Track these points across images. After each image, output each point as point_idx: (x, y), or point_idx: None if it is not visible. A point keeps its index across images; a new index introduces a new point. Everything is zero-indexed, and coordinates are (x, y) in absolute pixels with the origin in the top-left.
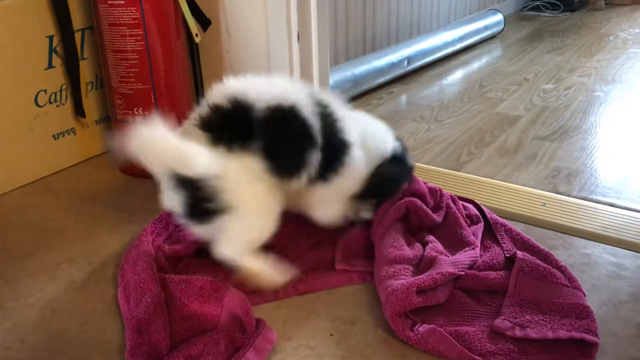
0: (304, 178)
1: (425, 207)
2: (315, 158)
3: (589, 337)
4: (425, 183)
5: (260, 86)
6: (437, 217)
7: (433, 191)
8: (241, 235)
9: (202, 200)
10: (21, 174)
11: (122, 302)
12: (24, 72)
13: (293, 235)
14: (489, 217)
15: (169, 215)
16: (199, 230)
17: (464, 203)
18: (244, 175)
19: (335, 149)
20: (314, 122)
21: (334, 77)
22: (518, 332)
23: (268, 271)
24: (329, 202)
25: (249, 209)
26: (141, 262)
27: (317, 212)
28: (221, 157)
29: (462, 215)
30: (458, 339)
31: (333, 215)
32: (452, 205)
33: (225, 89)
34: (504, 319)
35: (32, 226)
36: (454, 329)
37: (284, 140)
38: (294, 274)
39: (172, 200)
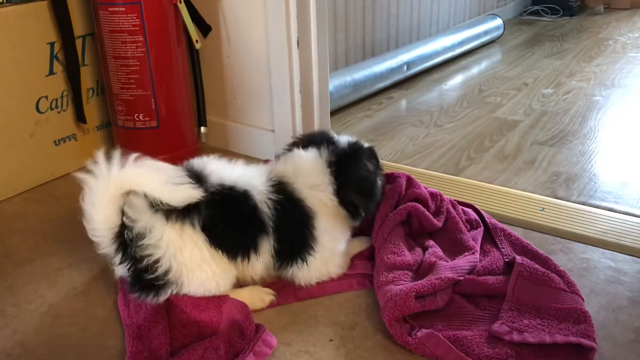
0: (257, 264)
1: (426, 212)
2: (267, 244)
3: (586, 341)
4: (425, 188)
5: (220, 167)
6: (438, 222)
7: (434, 196)
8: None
9: (144, 270)
10: (22, 180)
11: (122, 308)
12: (26, 78)
13: None
14: (488, 222)
15: None
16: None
17: (463, 208)
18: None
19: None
20: (265, 209)
21: (334, 83)
22: (516, 337)
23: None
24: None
25: (188, 279)
26: None
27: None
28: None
29: (462, 220)
30: (456, 343)
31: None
32: (452, 210)
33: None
34: (502, 324)
35: (33, 232)
36: (452, 333)
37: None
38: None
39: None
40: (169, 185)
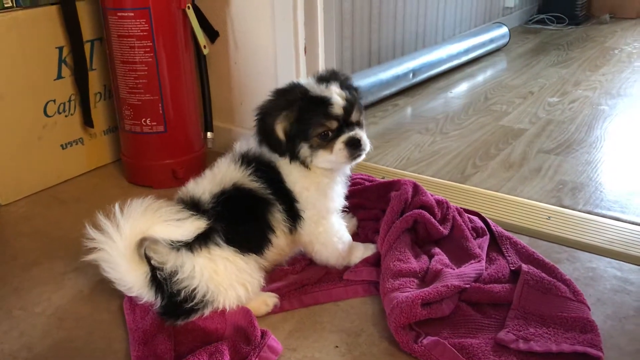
0: (280, 240)
1: (433, 219)
2: (277, 213)
3: (592, 351)
4: (432, 195)
5: (205, 184)
6: (444, 230)
7: (440, 203)
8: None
9: (184, 301)
10: (29, 183)
11: (127, 312)
12: (34, 82)
13: None
14: (494, 230)
15: None
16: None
17: (469, 216)
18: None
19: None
20: (256, 186)
21: None
22: (522, 345)
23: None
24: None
25: (224, 296)
26: None
27: (311, 251)
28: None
29: (468, 228)
30: (462, 351)
31: (329, 254)
32: (458, 217)
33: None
34: (508, 332)
35: (39, 235)
36: (458, 341)
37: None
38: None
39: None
40: (173, 225)
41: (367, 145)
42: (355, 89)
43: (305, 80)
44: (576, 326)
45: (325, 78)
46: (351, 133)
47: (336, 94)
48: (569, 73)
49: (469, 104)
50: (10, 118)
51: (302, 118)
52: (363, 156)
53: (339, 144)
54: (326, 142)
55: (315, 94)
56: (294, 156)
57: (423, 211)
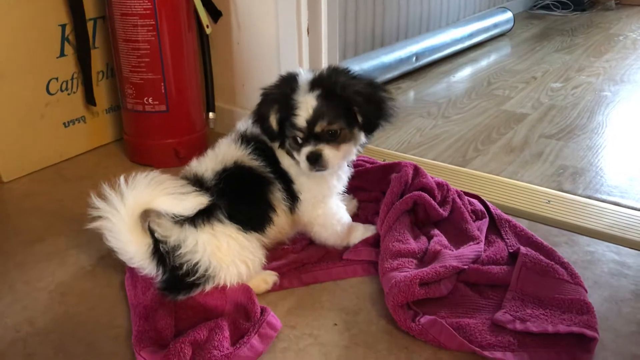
0: (281, 219)
1: (432, 201)
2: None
3: (588, 332)
4: (432, 177)
5: (208, 162)
6: (444, 212)
7: (440, 186)
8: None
9: (185, 275)
10: (32, 160)
11: (128, 288)
12: (36, 59)
13: None
14: (493, 212)
15: None
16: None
17: (469, 198)
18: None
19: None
20: (256, 164)
21: None
22: (518, 326)
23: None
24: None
25: (226, 273)
26: None
27: (310, 231)
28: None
29: (468, 210)
30: (459, 330)
31: (328, 235)
32: (458, 200)
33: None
34: (505, 312)
35: (42, 212)
36: (455, 320)
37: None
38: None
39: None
40: (176, 199)
41: (329, 163)
42: (350, 95)
43: (307, 73)
44: (573, 308)
45: (317, 81)
46: (312, 148)
47: (304, 106)
48: (572, 59)
49: (471, 89)
50: (13, 96)
51: (285, 117)
52: (328, 171)
53: (302, 155)
54: (297, 147)
55: (291, 99)
56: (283, 145)
57: (423, 193)
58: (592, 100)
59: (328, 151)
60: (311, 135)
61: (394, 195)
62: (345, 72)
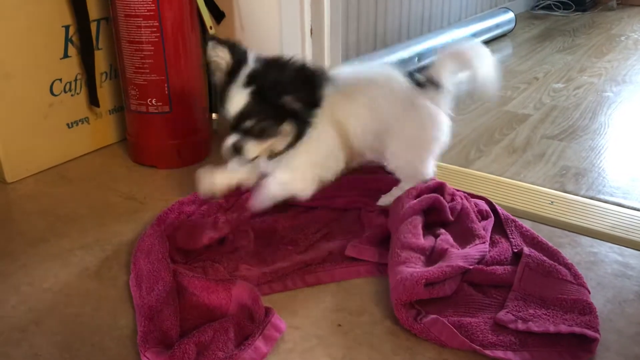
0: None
1: (446, 206)
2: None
3: (590, 332)
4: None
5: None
6: (452, 217)
7: (447, 190)
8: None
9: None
10: (36, 161)
11: (133, 289)
12: (40, 61)
13: (303, 227)
14: (500, 213)
15: (181, 204)
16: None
17: (475, 200)
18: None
19: None
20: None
21: None
22: (520, 325)
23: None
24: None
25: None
26: (155, 252)
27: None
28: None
29: (474, 210)
30: (460, 329)
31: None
32: (466, 203)
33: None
34: (507, 312)
35: (46, 213)
36: (458, 319)
37: None
38: None
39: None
40: None
41: (251, 156)
42: (279, 91)
43: (252, 62)
44: (575, 308)
45: (252, 77)
46: (235, 139)
47: (235, 101)
48: (574, 59)
49: (473, 89)
50: (17, 96)
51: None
52: (250, 159)
53: (228, 141)
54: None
55: (228, 87)
56: None
57: (439, 196)
58: (594, 100)
59: (251, 146)
60: (238, 128)
61: (408, 197)
62: (280, 64)
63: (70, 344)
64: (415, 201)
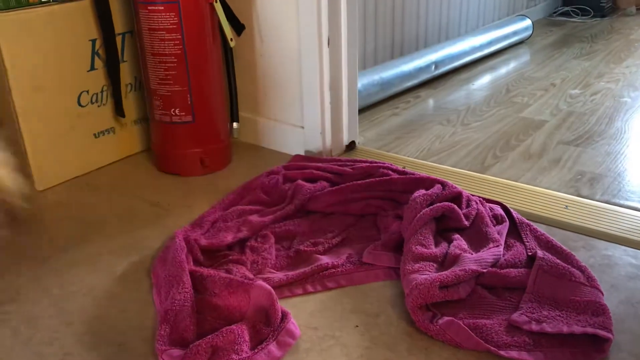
0: None
1: (461, 214)
2: None
3: (602, 332)
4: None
5: None
6: (467, 222)
7: (463, 196)
8: None
9: None
10: (65, 170)
11: (155, 297)
12: (68, 73)
13: (322, 232)
14: (515, 217)
15: (206, 214)
16: None
17: (490, 205)
18: None
19: None
20: None
21: (362, 81)
22: (534, 327)
23: None
24: None
25: None
26: (170, 257)
27: None
28: None
29: (489, 215)
30: (475, 330)
31: None
32: (481, 208)
33: None
34: (522, 314)
35: (75, 219)
36: (473, 321)
37: None
38: None
39: None
40: None
41: None
42: None
43: None
44: (588, 309)
45: None
46: None
47: None
48: (592, 65)
49: (490, 96)
50: (46, 107)
51: None
52: None
53: None
54: None
55: None
56: None
57: (453, 205)
58: (611, 106)
59: None
60: None
61: (422, 204)
62: None
63: (99, 345)
64: (427, 209)
